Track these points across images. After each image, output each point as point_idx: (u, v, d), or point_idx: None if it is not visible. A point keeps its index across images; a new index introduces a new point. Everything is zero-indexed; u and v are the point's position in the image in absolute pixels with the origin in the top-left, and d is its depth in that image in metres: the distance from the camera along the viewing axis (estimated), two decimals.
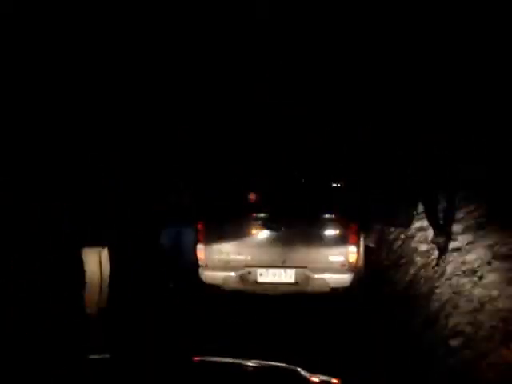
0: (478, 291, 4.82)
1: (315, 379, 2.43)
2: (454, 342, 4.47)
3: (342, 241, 5.89)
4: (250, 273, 5.97)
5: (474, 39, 6.83)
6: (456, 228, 5.92)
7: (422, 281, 5.95)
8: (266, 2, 9.55)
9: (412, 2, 8.13)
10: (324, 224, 5.99)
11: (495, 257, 5.01)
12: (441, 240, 5.89)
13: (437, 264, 5.81)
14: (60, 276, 6.18)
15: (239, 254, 6.01)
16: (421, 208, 6.90)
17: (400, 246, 7.23)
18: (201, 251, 6.08)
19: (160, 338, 4.93)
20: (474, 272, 5.10)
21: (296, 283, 5.91)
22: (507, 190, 5.59)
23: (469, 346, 4.33)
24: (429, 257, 6.19)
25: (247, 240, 6.04)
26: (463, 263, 5.37)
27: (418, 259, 6.40)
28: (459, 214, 6.08)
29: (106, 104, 8.53)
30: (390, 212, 6.79)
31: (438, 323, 4.95)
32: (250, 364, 2.49)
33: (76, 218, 5.65)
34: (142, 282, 6.54)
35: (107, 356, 2.53)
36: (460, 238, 5.76)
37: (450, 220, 5.99)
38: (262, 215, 6.10)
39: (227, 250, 6.02)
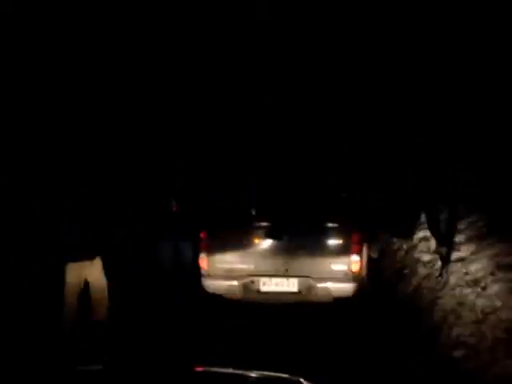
0: (481, 302, 4.80)
1: None
2: (457, 353, 4.46)
3: (345, 250, 5.86)
4: (252, 282, 5.95)
5: (474, 40, 6.82)
6: (459, 238, 5.91)
7: (425, 291, 5.93)
8: (265, 2, 9.56)
9: (412, 2, 8.14)
10: (327, 233, 5.98)
11: (498, 267, 5.00)
12: (443, 250, 5.88)
13: (440, 274, 5.79)
14: (60, 276, 6.10)
15: (242, 263, 5.99)
16: (423, 218, 6.89)
17: (403, 256, 7.21)
18: (203, 260, 6.05)
19: (161, 349, 4.90)
20: (477, 282, 5.08)
21: (299, 292, 5.89)
22: (509, 200, 5.59)
23: (472, 357, 4.31)
24: (432, 267, 6.18)
25: (250, 249, 6.02)
26: (466, 273, 5.35)
27: (421, 269, 6.39)
28: (461, 225, 6.07)
29: (106, 104, 8.52)
30: (391, 222, 6.79)
31: (441, 334, 4.93)
32: (252, 375, 2.45)
33: (75, 220, 5.34)
34: (142, 287, 6.48)
35: (99, 367, 2.48)
36: (463, 248, 5.74)
37: (453, 230, 5.99)
38: (264, 224, 6.09)
39: (230, 259, 6.00)
